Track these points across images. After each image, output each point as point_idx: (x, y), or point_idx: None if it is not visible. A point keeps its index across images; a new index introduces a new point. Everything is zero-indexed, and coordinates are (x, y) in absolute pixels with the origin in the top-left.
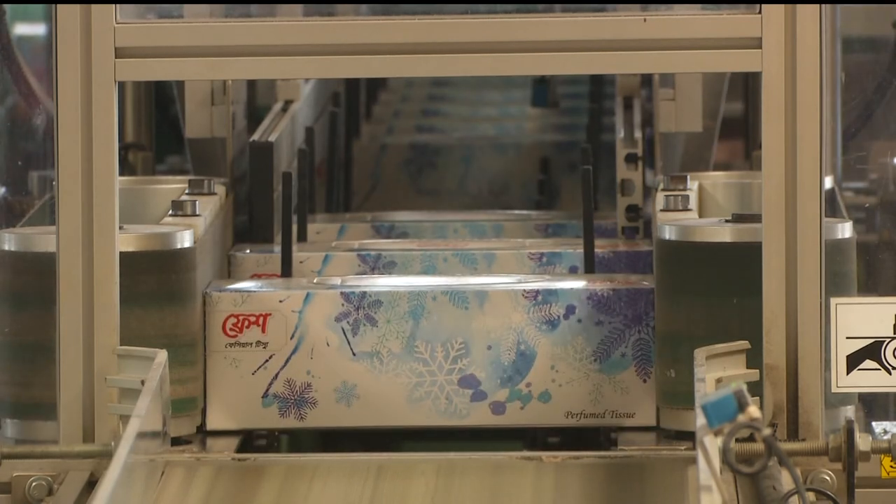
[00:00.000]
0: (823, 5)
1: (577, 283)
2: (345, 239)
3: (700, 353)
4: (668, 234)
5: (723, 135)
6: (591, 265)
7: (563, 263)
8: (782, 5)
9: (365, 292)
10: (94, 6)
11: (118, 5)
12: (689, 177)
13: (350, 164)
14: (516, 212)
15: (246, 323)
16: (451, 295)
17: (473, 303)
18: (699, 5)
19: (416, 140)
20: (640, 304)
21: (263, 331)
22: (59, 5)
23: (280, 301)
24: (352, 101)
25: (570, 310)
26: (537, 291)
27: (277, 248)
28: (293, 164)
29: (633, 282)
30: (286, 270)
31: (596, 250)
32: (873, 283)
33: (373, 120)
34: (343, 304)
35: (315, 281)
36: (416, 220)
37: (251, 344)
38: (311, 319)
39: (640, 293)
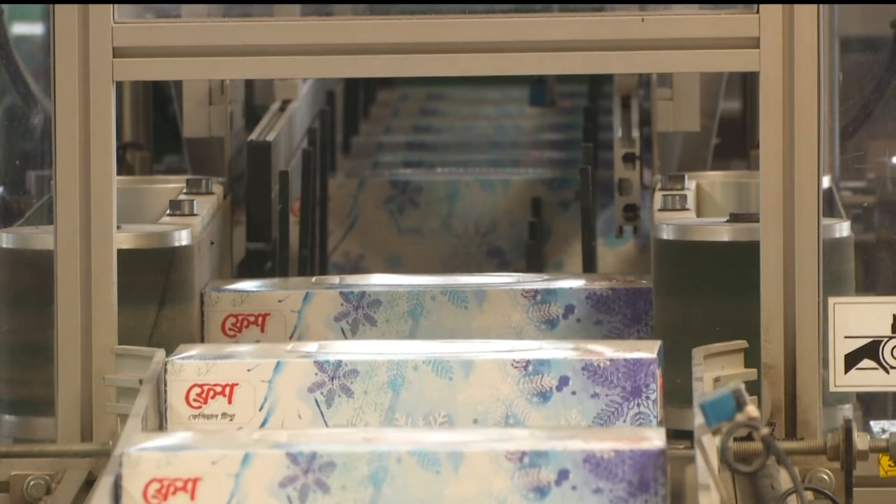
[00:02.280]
0: (821, 5)
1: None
2: (308, 313)
3: (698, 353)
4: (666, 233)
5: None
6: (589, 264)
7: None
8: (780, 5)
9: (340, 360)
10: (91, 6)
11: (116, 5)
12: (686, 176)
13: (325, 202)
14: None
15: (211, 394)
16: (433, 364)
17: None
18: (697, 5)
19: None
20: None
21: (230, 401)
22: (56, 5)
23: (248, 370)
24: (325, 135)
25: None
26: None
27: (253, 286)
28: (291, 164)
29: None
30: (283, 270)
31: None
32: (871, 283)
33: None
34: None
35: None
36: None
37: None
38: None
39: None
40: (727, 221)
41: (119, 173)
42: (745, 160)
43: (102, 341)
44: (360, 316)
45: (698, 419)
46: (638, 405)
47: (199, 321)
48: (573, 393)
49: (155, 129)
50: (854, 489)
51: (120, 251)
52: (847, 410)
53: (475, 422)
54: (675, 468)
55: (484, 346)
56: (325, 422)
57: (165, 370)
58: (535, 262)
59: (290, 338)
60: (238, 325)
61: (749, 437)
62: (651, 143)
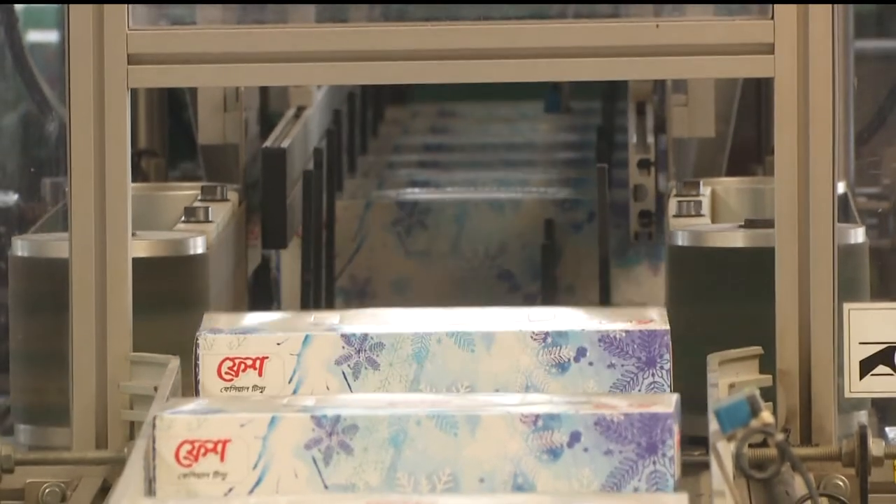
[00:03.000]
0: (836, 12)
1: (589, 324)
2: (308, 356)
3: (713, 359)
4: (681, 239)
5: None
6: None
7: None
8: (794, 8)
9: (367, 334)
10: (106, 13)
11: (130, 13)
12: (701, 182)
13: (332, 224)
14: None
15: (242, 367)
16: (456, 337)
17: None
18: (712, 6)
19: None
20: (655, 346)
21: (260, 374)
22: (71, 7)
23: (278, 344)
24: (332, 155)
25: (580, 352)
26: (546, 333)
27: (251, 325)
28: (309, 165)
29: (648, 322)
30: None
31: (605, 328)
32: (886, 289)
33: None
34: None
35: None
36: (392, 329)
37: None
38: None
39: (655, 335)
40: (742, 227)
41: (134, 180)
42: (761, 165)
43: (117, 348)
44: (363, 359)
45: (713, 425)
46: (654, 462)
47: None
48: (591, 364)
49: (170, 135)
50: (869, 495)
51: (135, 258)
52: (862, 416)
53: (496, 392)
54: (690, 474)
55: (503, 319)
56: (352, 393)
57: (197, 344)
58: (548, 286)
59: (290, 382)
60: (235, 368)
61: (764, 444)
62: (666, 149)
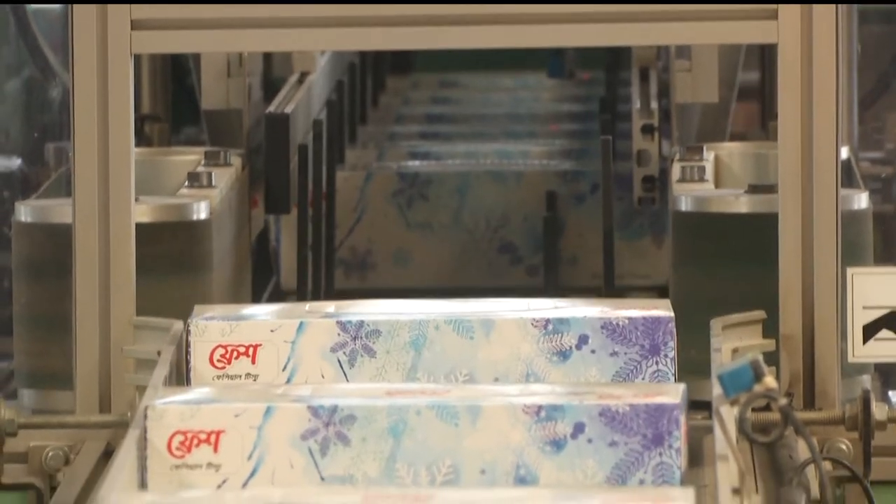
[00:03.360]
0: None
1: (591, 310)
2: (302, 344)
3: (716, 324)
4: (685, 204)
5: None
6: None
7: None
8: None
9: (363, 321)
10: None
11: None
12: (705, 147)
13: (333, 196)
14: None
15: (196, 441)
16: (454, 324)
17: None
18: None
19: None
20: (658, 333)
21: (253, 362)
22: None
23: (272, 331)
24: (332, 127)
25: (582, 340)
26: (547, 320)
27: (244, 313)
28: (308, 137)
29: (651, 307)
30: (303, 242)
31: (608, 315)
32: (890, 253)
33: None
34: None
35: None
36: (389, 315)
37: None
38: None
39: (659, 322)
40: (745, 192)
41: (137, 145)
42: (764, 131)
43: (121, 313)
44: (359, 347)
45: (716, 390)
46: (660, 454)
47: (216, 291)
48: (592, 351)
49: (173, 101)
50: (872, 459)
51: (138, 223)
52: (865, 381)
53: (496, 380)
54: (693, 438)
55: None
56: (347, 382)
57: (189, 332)
58: (551, 258)
59: (284, 370)
60: (227, 356)
61: (767, 408)
62: (669, 114)
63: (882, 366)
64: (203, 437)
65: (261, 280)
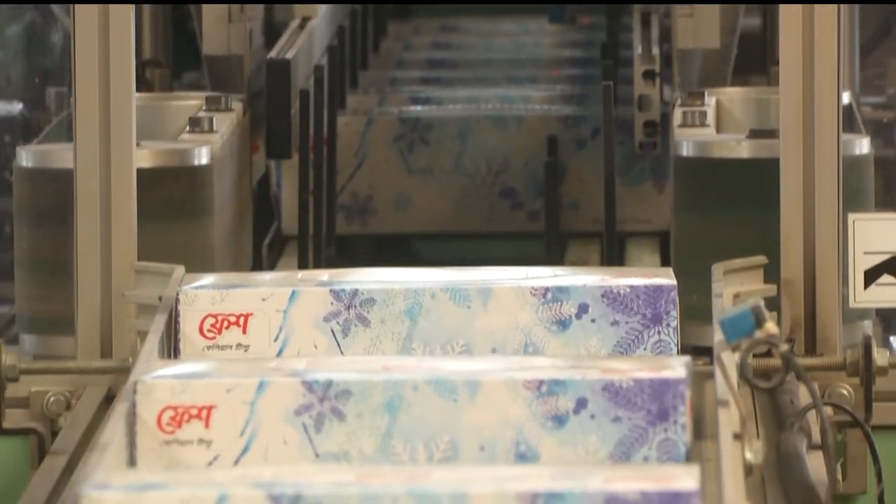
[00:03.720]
0: None
1: (591, 278)
2: (295, 313)
3: (717, 269)
4: (686, 149)
5: None
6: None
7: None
8: None
9: (357, 289)
10: None
11: None
12: (706, 93)
13: (334, 141)
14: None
15: (225, 324)
16: (451, 293)
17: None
18: None
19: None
20: (661, 302)
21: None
22: None
23: (263, 299)
24: (333, 72)
25: (582, 308)
26: (546, 288)
27: (234, 281)
28: (310, 82)
29: (653, 275)
30: (304, 187)
31: (609, 283)
32: (891, 199)
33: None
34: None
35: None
36: (384, 283)
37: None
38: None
39: (661, 290)
40: (747, 138)
41: (138, 90)
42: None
43: (122, 258)
44: (353, 316)
45: (718, 336)
46: (665, 430)
47: (217, 237)
48: (593, 320)
49: (174, 46)
50: (873, 404)
51: (139, 168)
52: (867, 326)
53: (493, 350)
54: (695, 385)
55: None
56: (341, 352)
57: (178, 300)
58: (552, 203)
59: (275, 340)
60: (217, 325)
61: (768, 354)
62: (671, 59)
63: (883, 311)
64: (194, 412)
65: (262, 225)
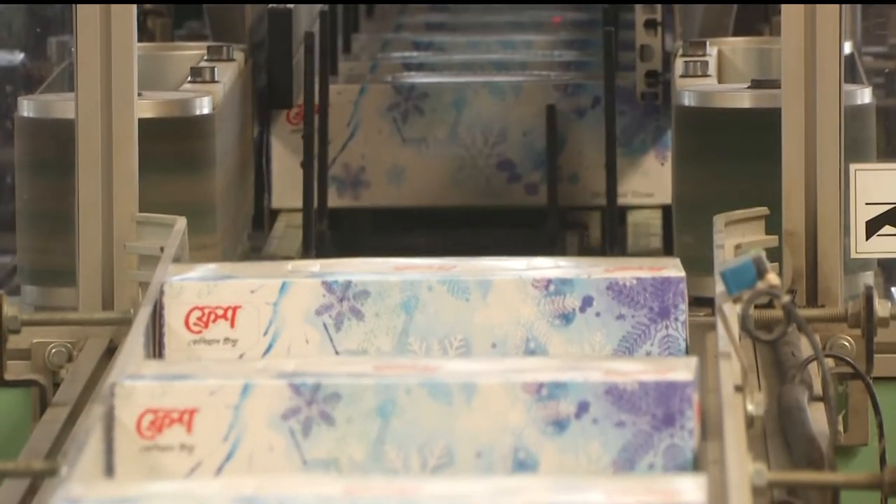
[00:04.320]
0: None
1: (596, 270)
2: (285, 305)
3: (719, 220)
4: (688, 99)
5: None
6: (612, 126)
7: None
8: None
9: (350, 281)
10: None
11: None
12: (708, 42)
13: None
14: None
15: (213, 317)
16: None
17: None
18: None
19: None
20: (669, 295)
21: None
22: None
23: (252, 292)
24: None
25: (586, 302)
26: (549, 280)
27: (221, 273)
28: (315, 27)
29: (661, 268)
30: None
31: (614, 275)
32: (893, 149)
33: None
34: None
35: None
36: (378, 275)
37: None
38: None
39: (669, 283)
40: (749, 88)
41: (140, 40)
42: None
43: (123, 209)
44: (346, 309)
45: (719, 287)
46: (671, 436)
47: (219, 188)
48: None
49: None
50: (874, 356)
51: (141, 119)
52: (868, 277)
53: (493, 346)
54: (696, 336)
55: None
56: (333, 347)
57: (163, 292)
58: (550, 175)
59: (265, 335)
60: (204, 319)
61: (770, 305)
62: (672, 9)
63: (885, 262)
64: (175, 416)
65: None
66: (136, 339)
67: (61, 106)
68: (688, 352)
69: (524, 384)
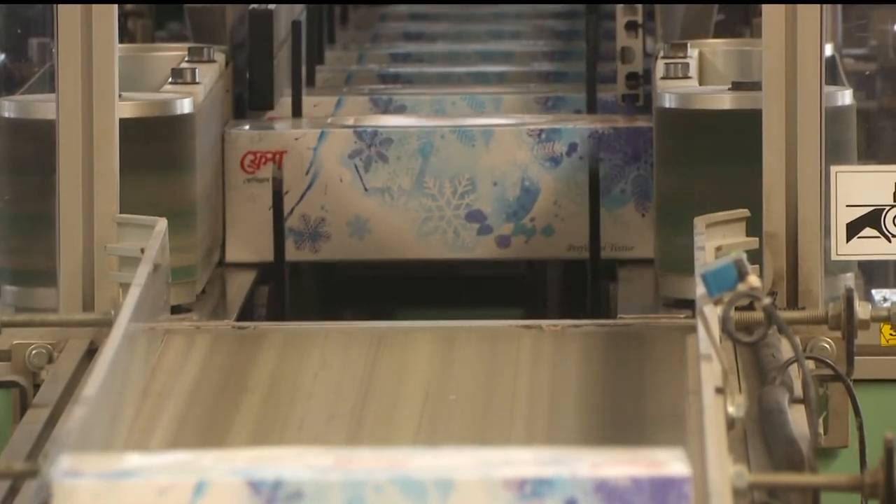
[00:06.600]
0: None
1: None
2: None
3: (700, 222)
4: (669, 101)
5: None
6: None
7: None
8: None
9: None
10: None
11: None
12: (689, 44)
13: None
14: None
15: (263, 160)
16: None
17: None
18: None
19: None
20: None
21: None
22: None
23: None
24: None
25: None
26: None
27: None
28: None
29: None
30: (297, 112)
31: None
32: (873, 151)
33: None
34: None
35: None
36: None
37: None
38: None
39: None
40: (729, 90)
41: (120, 41)
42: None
43: (104, 210)
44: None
45: (700, 289)
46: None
47: (200, 189)
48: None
49: None
50: (855, 358)
51: (122, 119)
52: (849, 279)
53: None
54: (677, 338)
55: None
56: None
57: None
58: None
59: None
60: (256, 161)
61: (751, 307)
62: (653, 11)
63: (865, 264)
64: (270, 156)
65: None
66: (154, 244)
67: (42, 107)
68: None
69: (505, 481)
